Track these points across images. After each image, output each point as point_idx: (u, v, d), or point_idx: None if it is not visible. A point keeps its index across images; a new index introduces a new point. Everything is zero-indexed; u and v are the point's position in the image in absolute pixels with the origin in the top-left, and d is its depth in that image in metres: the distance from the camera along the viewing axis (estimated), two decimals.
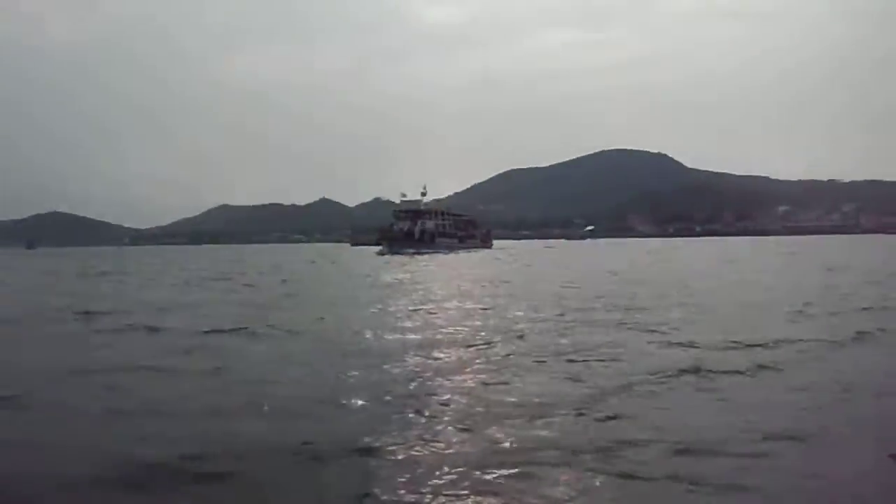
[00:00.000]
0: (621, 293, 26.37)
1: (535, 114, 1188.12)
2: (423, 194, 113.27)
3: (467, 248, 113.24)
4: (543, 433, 8.03)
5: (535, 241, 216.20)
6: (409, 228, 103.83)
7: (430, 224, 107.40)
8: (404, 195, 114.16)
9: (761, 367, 11.59)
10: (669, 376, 10.95)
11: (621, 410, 9.01)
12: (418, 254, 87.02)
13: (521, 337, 15.27)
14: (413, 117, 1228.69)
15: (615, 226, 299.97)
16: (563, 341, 14.62)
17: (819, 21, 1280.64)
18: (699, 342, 14.02)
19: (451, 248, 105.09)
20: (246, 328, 17.29)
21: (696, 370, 11.27)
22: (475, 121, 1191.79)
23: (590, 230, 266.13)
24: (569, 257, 75.96)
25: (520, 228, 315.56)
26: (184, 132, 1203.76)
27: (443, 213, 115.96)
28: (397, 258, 75.68)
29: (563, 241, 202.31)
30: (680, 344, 14.02)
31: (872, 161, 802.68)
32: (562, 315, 19.52)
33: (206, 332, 16.74)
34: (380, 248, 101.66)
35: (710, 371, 11.24)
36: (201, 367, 12.47)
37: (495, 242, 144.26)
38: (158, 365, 12.49)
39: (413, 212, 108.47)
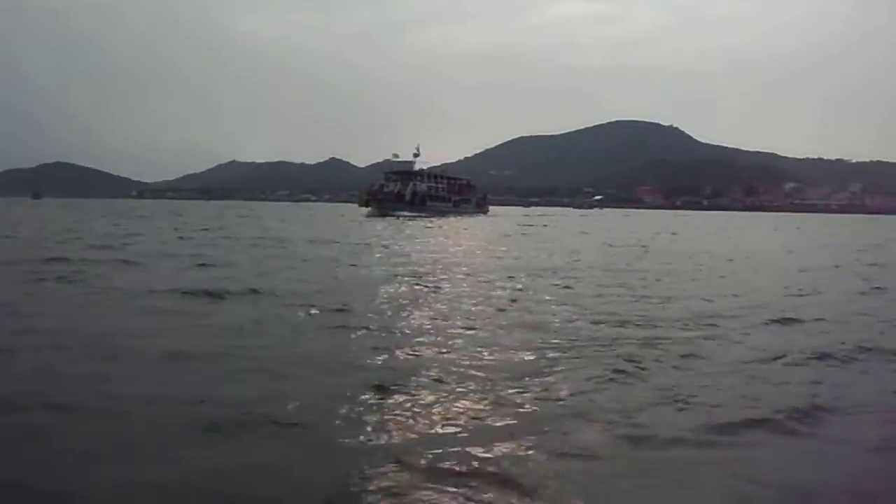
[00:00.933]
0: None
1: (550, 84, 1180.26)
2: (416, 155, 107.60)
3: (461, 212, 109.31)
4: None
5: (537, 208, 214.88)
6: (399, 190, 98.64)
7: (422, 186, 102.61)
8: (396, 155, 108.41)
9: None
10: None
11: None
12: (408, 217, 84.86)
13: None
14: (427, 84, 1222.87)
15: (624, 196, 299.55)
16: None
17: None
18: None
19: (443, 213, 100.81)
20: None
21: None
22: (489, 89, 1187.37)
23: (598, 200, 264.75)
24: (576, 227, 75.48)
25: (529, 195, 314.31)
26: (194, 88, 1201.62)
27: (436, 176, 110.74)
28: (405, 222, 74.39)
29: (570, 209, 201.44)
30: None
31: (879, 142, 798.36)
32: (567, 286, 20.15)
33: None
34: (368, 209, 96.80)
35: None
36: None
37: (499, 209, 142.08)
38: None
39: (404, 173, 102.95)
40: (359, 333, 12.63)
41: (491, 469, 6.59)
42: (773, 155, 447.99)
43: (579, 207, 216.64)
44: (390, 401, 8.60)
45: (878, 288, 22.15)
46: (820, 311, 16.21)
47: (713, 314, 15.35)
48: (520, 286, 20.14)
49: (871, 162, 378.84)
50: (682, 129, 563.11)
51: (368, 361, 10.58)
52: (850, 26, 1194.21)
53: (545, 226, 74.03)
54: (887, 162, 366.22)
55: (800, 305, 17.41)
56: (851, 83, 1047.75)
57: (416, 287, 19.41)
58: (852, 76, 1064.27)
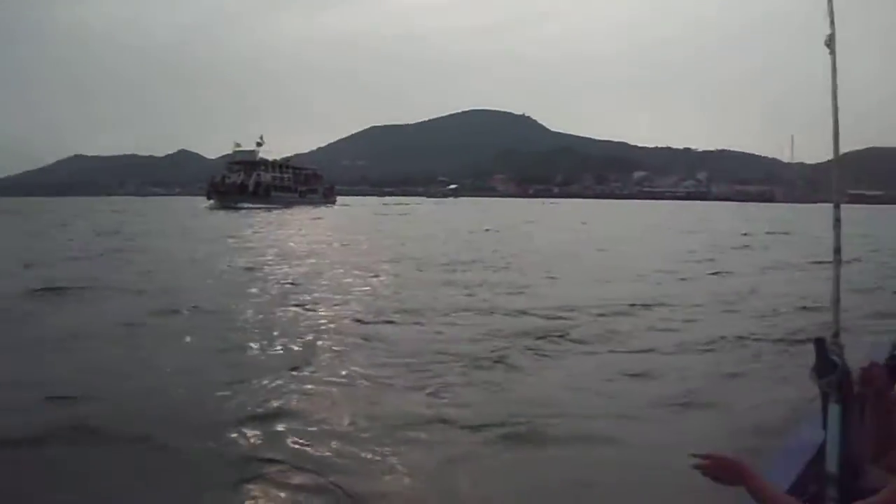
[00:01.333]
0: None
1: (401, 73, 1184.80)
2: (260, 144, 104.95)
3: (308, 203, 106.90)
4: None
5: (392, 198, 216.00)
6: (242, 181, 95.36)
7: (266, 176, 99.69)
8: (238, 144, 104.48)
9: None
10: None
11: None
12: (252, 209, 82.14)
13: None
14: (277, 71, 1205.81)
15: (478, 185, 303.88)
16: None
17: None
18: None
19: (289, 204, 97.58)
20: None
21: None
22: (342, 77, 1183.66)
23: (453, 189, 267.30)
24: (432, 216, 75.91)
25: (383, 185, 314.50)
26: (30, 78, 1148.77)
27: (281, 166, 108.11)
28: (250, 214, 72.66)
29: (424, 198, 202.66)
30: None
31: (725, 132, 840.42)
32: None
33: None
34: (210, 202, 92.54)
35: None
36: None
37: (353, 199, 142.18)
38: None
39: (248, 163, 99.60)
40: (202, 331, 12.16)
41: (343, 470, 6.42)
42: (624, 144, 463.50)
43: (434, 196, 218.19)
44: (237, 402, 8.21)
45: (728, 272, 22.97)
46: (673, 296, 16.60)
47: (571, 304, 15.33)
48: (376, 277, 19.97)
49: (717, 151, 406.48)
50: (534, 118, 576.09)
51: (214, 361, 10.18)
52: (698, 22, 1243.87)
53: (402, 215, 74.29)
54: (731, 151, 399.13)
55: (652, 292, 17.67)
56: (699, 75, 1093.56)
57: (264, 282, 18.94)
58: (700, 68, 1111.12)
